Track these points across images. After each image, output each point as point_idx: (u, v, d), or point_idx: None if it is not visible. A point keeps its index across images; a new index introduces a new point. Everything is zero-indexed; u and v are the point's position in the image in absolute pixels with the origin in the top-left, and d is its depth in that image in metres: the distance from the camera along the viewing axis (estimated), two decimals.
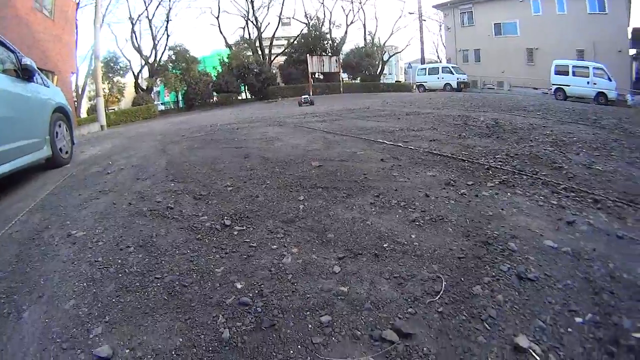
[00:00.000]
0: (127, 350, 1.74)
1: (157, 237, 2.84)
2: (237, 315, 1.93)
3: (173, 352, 1.72)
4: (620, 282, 2.14)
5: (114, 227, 3.08)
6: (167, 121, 17.78)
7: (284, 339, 1.75)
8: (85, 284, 2.29)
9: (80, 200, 3.84)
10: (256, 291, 2.11)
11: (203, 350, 1.73)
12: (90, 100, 34.33)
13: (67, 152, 6.01)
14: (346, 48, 38.86)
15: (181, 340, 1.78)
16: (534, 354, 1.63)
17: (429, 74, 31.84)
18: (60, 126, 5.75)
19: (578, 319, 1.84)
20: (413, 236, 2.69)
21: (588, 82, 22.35)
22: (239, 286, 2.17)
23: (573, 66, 23.63)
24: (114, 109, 32.79)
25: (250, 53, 35.45)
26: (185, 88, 31.77)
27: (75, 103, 26.77)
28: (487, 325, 1.80)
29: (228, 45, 35.61)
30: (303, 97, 20.66)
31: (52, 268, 2.51)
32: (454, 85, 29.56)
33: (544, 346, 1.68)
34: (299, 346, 1.71)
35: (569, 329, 1.78)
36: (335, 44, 37.34)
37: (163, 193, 3.83)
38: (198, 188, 3.92)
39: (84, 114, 30.29)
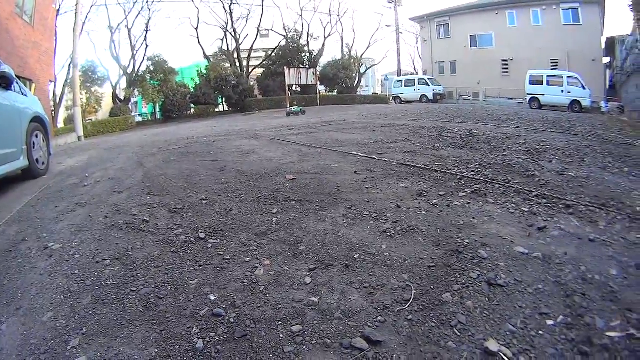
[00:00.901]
0: None
1: (133, 250, 2.85)
2: (211, 326, 1.95)
3: None
4: (592, 284, 2.21)
5: (90, 240, 3.08)
6: (144, 133, 17.63)
7: (256, 348, 1.78)
8: (62, 296, 2.29)
9: (57, 213, 3.82)
10: (229, 302, 2.14)
11: None
12: (67, 110, 33.77)
13: (43, 163, 5.94)
14: (324, 60, 38.74)
15: (156, 350, 1.80)
16: (504, 357, 1.67)
17: (405, 86, 32.26)
18: (37, 136, 5.68)
19: (549, 322, 1.89)
20: (384, 247, 2.73)
21: (562, 91, 22.93)
22: (212, 298, 2.20)
23: (547, 76, 24.26)
24: (91, 120, 32.29)
25: (228, 65, 35.17)
26: (163, 99, 31.44)
27: (53, 113, 26.22)
28: (456, 331, 1.85)
29: (206, 57, 35.28)
30: (289, 108, 21.22)
31: (30, 280, 2.51)
32: (430, 96, 29.99)
33: (514, 349, 1.72)
34: (271, 355, 1.74)
35: (540, 332, 1.82)
36: (312, 57, 37.17)
37: (139, 206, 3.83)
38: (174, 201, 3.93)
39: (61, 124, 29.76)
